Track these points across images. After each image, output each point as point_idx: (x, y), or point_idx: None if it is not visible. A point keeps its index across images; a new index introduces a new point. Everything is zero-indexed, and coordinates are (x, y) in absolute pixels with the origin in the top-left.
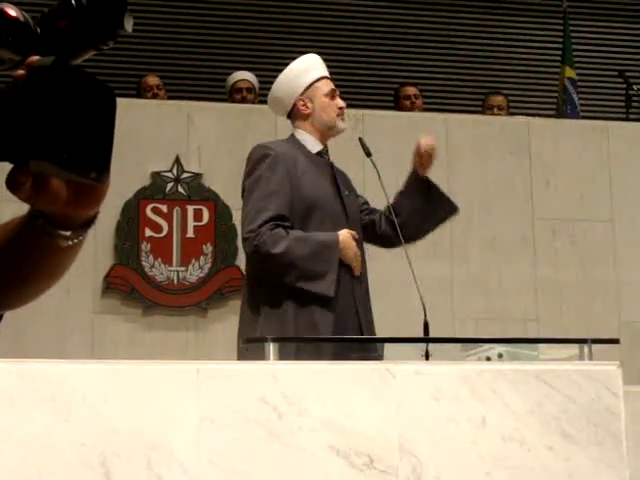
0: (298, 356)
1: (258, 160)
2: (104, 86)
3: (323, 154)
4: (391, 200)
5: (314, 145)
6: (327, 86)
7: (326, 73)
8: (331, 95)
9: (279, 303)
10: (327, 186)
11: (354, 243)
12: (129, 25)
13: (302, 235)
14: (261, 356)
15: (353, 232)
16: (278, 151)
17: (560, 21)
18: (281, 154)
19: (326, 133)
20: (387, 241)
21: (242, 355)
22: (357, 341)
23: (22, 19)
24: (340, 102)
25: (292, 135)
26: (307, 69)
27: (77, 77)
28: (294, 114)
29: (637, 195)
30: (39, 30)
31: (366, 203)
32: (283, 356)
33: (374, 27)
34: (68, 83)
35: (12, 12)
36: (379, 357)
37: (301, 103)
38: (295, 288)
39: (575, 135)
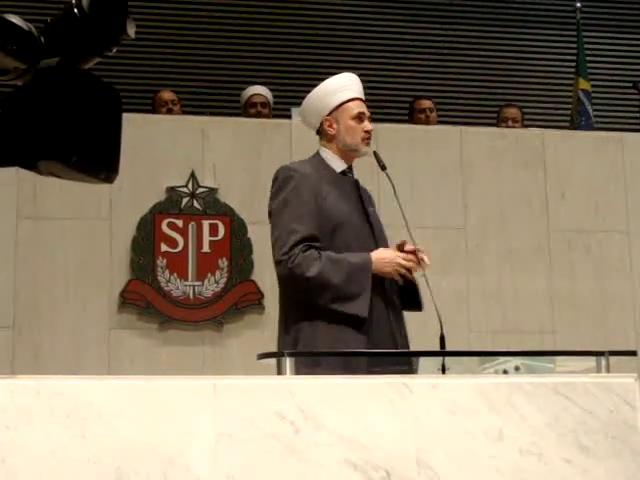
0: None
1: (283, 182)
2: (109, 86)
3: (347, 173)
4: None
5: (338, 164)
6: (356, 108)
7: (359, 94)
8: (358, 118)
9: (314, 324)
10: (352, 204)
11: (394, 256)
12: (131, 30)
13: (335, 257)
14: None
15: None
16: (302, 172)
17: (574, 33)
18: (305, 175)
19: (349, 155)
20: None
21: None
22: (376, 355)
23: (26, 28)
24: (367, 125)
25: (318, 153)
26: (338, 89)
27: (82, 78)
28: (321, 132)
29: None
30: (43, 39)
31: None
32: (304, 372)
33: (388, 40)
34: (73, 84)
35: (15, 21)
36: (411, 371)
37: (327, 123)
38: (329, 310)
39: (590, 146)
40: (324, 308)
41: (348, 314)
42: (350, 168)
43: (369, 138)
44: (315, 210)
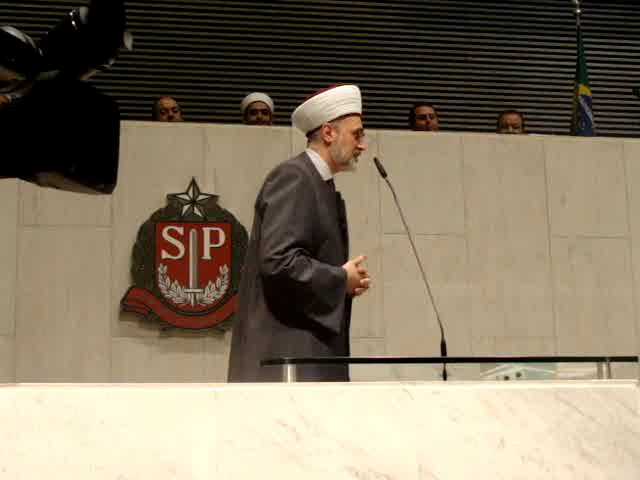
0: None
1: (287, 178)
2: (107, 99)
3: (330, 184)
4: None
5: (326, 173)
6: (357, 124)
7: (360, 110)
8: (357, 134)
9: (295, 328)
10: (334, 217)
11: (358, 276)
12: (129, 42)
13: (321, 267)
14: (277, 377)
15: (357, 261)
16: (306, 174)
17: (574, 39)
18: (308, 178)
19: (338, 166)
20: None
21: (247, 373)
22: (373, 362)
23: (24, 40)
24: (363, 144)
25: (305, 154)
26: (346, 100)
27: (80, 90)
28: (315, 136)
29: None
30: (41, 51)
31: None
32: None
33: (389, 47)
34: (72, 96)
35: (14, 33)
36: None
37: (326, 129)
38: (306, 317)
39: (590, 152)
40: (303, 315)
41: (323, 326)
42: (332, 180)
43: (359, 155)
44: (311, 216)
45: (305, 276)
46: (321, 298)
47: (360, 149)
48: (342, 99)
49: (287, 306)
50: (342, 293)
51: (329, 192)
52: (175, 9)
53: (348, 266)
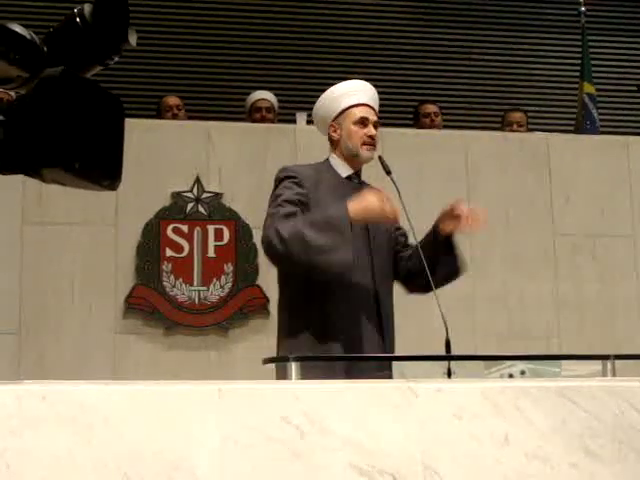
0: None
1: (279, 181)
2: (111, 95)
3: (353, 178)
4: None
5: (344, 170)
6: (359, 113)
7: (366, 101)
8: (361, 123)
9: (304, 304)
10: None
11: (373, 198)
12: (133, 39)
13: (309, 216)
14: (284, 375)
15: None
16: (301, 174)
17: (578, 37)
18: (304, 177)
19: (353, 160)
20: (408, 279)
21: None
22: (379, 359)
23: (28, 37)
24: (371, 130)
25: (327, 158)
26: (343, 95)
27: (85, 87)
28: (329, 138)
29: None
30: (46, 48)
31: (404, 235)
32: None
33: (393, 45)
34: (76, 93)
35: (18, 30)
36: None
37: (332, 129)
38: (312, 264)
39: (595, 150)
40: (308, 264)
41: (333, 263)
42: (357, 174)
43: (371, 144)
44: (302, 198)
45: (285, 232)
46: (319, 238)
47: (370, 137)
48: (339, 95)
49: (290, 267)
50: (345, 228)
51: (349, 186)
52: (180, 7)
53: (360, 198)
